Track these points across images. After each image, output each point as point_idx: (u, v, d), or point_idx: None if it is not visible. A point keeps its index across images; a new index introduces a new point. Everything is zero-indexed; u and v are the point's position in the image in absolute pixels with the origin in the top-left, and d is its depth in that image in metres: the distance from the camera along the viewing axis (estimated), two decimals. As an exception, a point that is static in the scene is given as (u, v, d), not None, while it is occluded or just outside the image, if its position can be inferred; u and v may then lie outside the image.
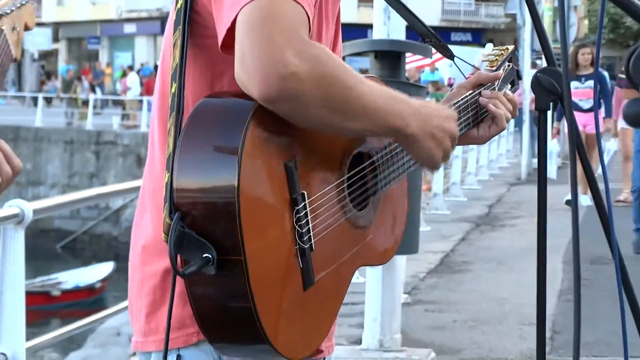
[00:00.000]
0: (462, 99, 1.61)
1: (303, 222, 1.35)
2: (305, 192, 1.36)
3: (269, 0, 1.29)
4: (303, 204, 1.35)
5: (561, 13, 1.86)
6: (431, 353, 6.14)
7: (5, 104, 51.41)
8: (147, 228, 1.50)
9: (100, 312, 6.39)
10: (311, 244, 1.38)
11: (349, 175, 1.49)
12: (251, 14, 1.26)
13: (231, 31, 1.28)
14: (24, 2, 1.29)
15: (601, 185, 1.79)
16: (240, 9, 1.27)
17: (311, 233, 1.38)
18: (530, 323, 6.51)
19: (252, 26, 1.26)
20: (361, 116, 1.28)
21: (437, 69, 28.26)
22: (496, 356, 6.34)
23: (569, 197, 11.58)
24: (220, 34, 1.32)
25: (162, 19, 49.44)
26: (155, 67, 37.74)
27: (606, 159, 13.73)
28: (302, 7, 1.30)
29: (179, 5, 1.45)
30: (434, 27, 1.92)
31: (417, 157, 1.44)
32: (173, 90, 1.41)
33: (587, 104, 13.29)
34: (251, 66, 1.23)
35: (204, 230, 1.27)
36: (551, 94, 1.69)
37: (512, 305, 7.73)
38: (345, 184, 1.49)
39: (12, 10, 1.24)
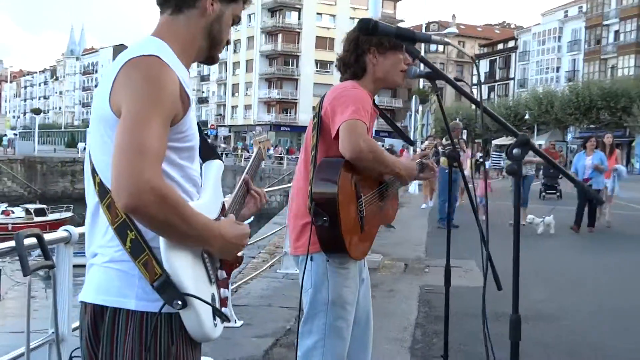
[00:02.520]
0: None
1: (361, 206, 2.99)
2: (362, 195, 3.01)
3: (354, 120, 2.81)
4: (360, 199, 2.99)
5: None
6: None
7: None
8: (294, 207, 3.12)
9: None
10: (363, 215, 3.00)
11: (377, 189, 3.17)
12: (347, 123, 2.79)
13: (337, 131, 2.83)
14: (266, 137, 2.66)
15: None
16: (343, 122, 2.81)
17: (364, 210, 3.00)
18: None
19: (345, 131, 2.79)
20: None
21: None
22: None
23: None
24: (334, 131, 2.88)
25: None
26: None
27: None
28: (364, 122, 2.86)
29: (315, 120, 3.02)
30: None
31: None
32: (312, 154, 2.98)
33: None
34: (347, 151, 2.81)
35: (323, 209, 2.82)
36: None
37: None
38: (376, 191, 3.15)
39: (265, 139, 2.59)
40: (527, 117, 54.52)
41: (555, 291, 7.93)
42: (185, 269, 1.65)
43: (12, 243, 2.48)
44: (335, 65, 3.23)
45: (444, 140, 13.85)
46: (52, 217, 34.97)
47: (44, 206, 36.63)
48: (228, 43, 1.97)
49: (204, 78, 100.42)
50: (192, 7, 1.83)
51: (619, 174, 12.82)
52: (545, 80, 66.55)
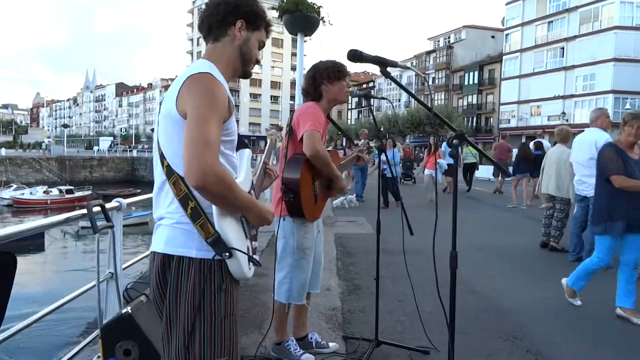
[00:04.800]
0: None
1: (315, 187, 2.77)
2: (316, 180, 2.78)
3: (313, 131, 2.61)
4: (315, 182, 2.78)
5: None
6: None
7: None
8: (274, 186, 2.67)
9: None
10: (316, 193, 2.79)
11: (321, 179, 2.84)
12: (308, 133, 2.59)
13: (302, 137, 2.61)
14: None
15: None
16: (305, 131, 2.60)
17: (317, 190, 2.79)
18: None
19: (307, 138, 2.58)
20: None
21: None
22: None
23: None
24: (299, 136, 2.66)
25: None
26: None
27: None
28: (319, 131, 2.64)
29: (287, 129, 2.77)
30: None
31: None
32: (285, 151, 2.74)
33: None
34: (307, 151, 2.60)
35: (289, 188, 2.61)
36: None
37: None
38: (325, 179, 2.85)
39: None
40: (382, 129, 55.53)
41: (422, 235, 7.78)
42: (230, 229, 1.50)
43: (84, 210, 2.33)
44: (302, 93, 3.00)
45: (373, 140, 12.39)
46: (77, 194, 33.04)
47: (72, 187, 34.67)
48: (257, 62, 1.75)
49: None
50: (226, 36, 1.65)
51: (440, 166, 12.03)
52: (393, 106, 68.13)
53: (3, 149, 52.00)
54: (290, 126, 2.76)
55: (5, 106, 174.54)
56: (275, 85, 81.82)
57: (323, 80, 2.80)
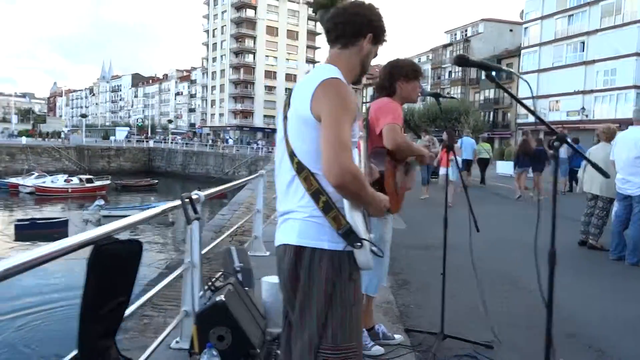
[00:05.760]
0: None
1: (396, 178, 2.67)
2: (397, 172, 2.68)
3: (393, 124, 2.60)
4: (396, 174, 2.68)
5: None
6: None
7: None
8: None
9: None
10: (398, 184, 2.68)
11: (403, 167, 2.77)
12: (388, 126, 2.57)
13: (381, 130, 2.57)
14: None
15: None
16: (385, 124, 2.58)
17: (398, 182, 2.69)
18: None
19: (387, 131, 2.56)
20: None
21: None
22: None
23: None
24: (378, 130, 2.61)
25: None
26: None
27: None
28: (400, 124, 2.64)
29: (365, 123, 2.69)
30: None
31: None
32: (364, 145, 2.15)
33: None
34: (389, 144, 2.55)
35: (375, 180, 2.17)
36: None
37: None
38: (402, 169, 2.77)
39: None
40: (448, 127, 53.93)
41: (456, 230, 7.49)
42: (359, 221, 1.55)
43: (178, 202, 2.45)
44: (375, 88, 3.03)
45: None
46: (96, 184, 33.49)
47: (91, 176, 35.07)
48: (367, 71, 1.80)
49: (192, 95, 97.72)
50: (354, 46, 1.70)
51: (455, 163, 12.14)
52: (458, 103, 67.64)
53: (24, 138, 52.74)
54: (367, 121, 2.77)
55: (23, 95, 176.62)
56: (289, 77, 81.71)
57: (400, 77, 2.82)
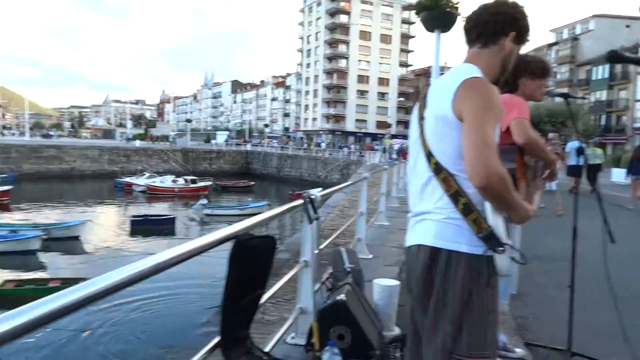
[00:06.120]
0: None
1: (528, 178, 2.36)
2: (528, 170, 2.40)
3: (521, 119, 2.35)
4: (527, 172, 2.38)
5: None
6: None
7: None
8: None
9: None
10: (529, 183, 2.39)
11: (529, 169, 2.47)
12: (517, 121, 2.30)
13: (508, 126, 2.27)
14: None
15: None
16: (513, 120, 2.33)
17: (529, 180, 2.38)
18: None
19: (516, 126, 2.29)
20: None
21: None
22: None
23: None
24: (504, 127, 2.26)
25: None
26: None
27: None
28: (527, 119, 2.43)
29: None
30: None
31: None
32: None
33: None
34: (519, 139, 2.29)
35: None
36: None
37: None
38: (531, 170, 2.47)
39: None
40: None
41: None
42: (500, 225, 1.48)
43: (298, 202, 2.54)
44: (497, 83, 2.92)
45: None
46: (199, 184, 35.77)
47: (195, 177, 37.49)
48: (508, 71, 1.72)
49: (287, 100, 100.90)
50: (495, 44, 1.64)
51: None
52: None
53: (137, 141, 57.78)
54: None
55: (135, 102, 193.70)
56: (382, 81, 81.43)
57: (526, 74, 2.67)
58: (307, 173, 45.56)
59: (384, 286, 3.01)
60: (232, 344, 1.67)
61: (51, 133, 79.49)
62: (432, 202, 1.57)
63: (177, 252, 1.34)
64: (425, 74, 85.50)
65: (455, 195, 1.51)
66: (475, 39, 1.67)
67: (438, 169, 1.54)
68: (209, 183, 36.79)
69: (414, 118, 1.71)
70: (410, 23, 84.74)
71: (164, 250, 1.31)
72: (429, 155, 1.57)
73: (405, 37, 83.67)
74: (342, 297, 2.32)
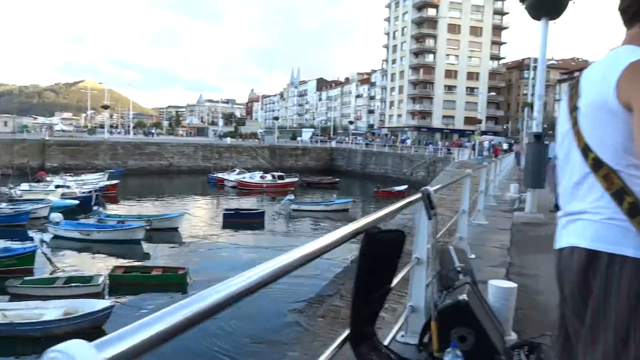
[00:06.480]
0: None
1: None
2: None
3: None
4: None
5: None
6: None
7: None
8: None
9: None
10: None
11: None
12: None
13: None
14: None
15: None
16: None
17: None
18: None
19: None
20: None
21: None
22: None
23: None
24: None
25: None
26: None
27: None
28: None
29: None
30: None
31: None
32: None
33: None
34: None
35: None
36: None
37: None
38: None
39: None
40: None
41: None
42: None
43: (419, 195, 2.45)
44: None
45: None
46: (286, 180, 36.75)
47: (282, 174, 38.55)
48: None
49: (372, 97, 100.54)
50: None
51: None
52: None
53: (229, 138, 60.55)
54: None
55: (226, 101, 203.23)
56: (471, 76, 78.35)
57: None
58: (392, 170, 45.06)
59: (501, 288, 2.84)
60: (360, 339, 1.63)
61: (152, 131, 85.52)
62: (589, 201, 1.43)
63: (318, 246, 1.29)
64: (519, 66, 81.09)
65: (620, 193, 1.35)
66: (632, 18, 1.49)
67: (597, 165, 1.40)
68: (295, 179, 37.68)
69: (563, 109, 1.57)
70: (503, 13, 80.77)
71: (300, 246, 1.25)
72: (586, 150, 1.43)
73: (497, 29, 79.85)
74: (463, 297, 2.21)
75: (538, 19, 7.41)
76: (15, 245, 15.79)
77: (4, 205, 22.66)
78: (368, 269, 1.60)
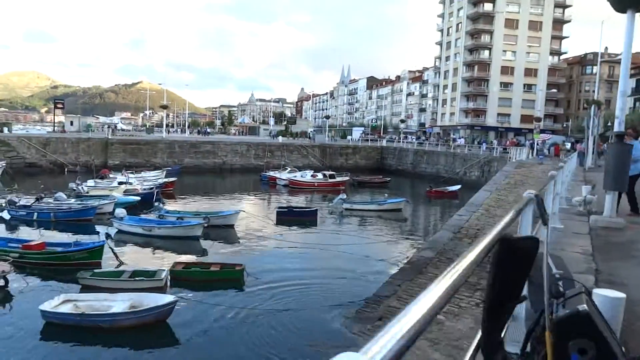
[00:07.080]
0: None
1: None
2: None
3: None
4: None
5: None
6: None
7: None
8: None
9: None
10: None
11: None
12: None
13: None
14: None
15: None
16: None
17: None
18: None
19: None
20: None
21: None
22: None
23: None
24: None
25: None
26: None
27: None
28: None
29: None
30: None
31: None
32: None
33: None
34: None
35: None
36: None
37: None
38: None
39: None
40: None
41: None
42: None
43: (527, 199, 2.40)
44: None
45: None
46: (338, 179, 36.73)
47: (334, 172, 38.57)
48: None
49: (423, 95, 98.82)
50: None
51: None
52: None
53: (281, 137, 61.32)
54: None
55: (277, 100, 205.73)
56: (529, 72, 75.40)
57: None
58: (444, 169, 44.11)
59: (609, 297, 2.66)
60: (492, 349, 1.55)
61: (208, 130, 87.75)
62: None
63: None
64: (580, 62, 77.32)
65: None
66: None
67: None
68: (346, 178, 37.62)
69: None
70: (565, 6, 77.24)
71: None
72: None
73: (559, 23, 76.41)
74: (584, 307, 2.06)
75: (623, 11, 6.98)
76: (85, 239, 16.62)
77: (72, 200, 23.92)
78: (502, 277, 1.51)
